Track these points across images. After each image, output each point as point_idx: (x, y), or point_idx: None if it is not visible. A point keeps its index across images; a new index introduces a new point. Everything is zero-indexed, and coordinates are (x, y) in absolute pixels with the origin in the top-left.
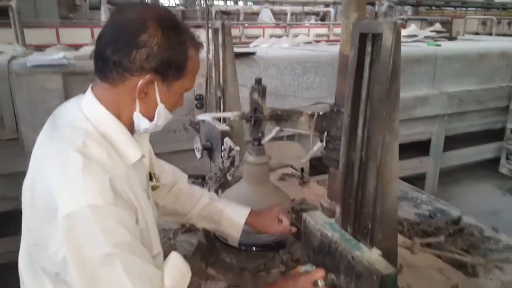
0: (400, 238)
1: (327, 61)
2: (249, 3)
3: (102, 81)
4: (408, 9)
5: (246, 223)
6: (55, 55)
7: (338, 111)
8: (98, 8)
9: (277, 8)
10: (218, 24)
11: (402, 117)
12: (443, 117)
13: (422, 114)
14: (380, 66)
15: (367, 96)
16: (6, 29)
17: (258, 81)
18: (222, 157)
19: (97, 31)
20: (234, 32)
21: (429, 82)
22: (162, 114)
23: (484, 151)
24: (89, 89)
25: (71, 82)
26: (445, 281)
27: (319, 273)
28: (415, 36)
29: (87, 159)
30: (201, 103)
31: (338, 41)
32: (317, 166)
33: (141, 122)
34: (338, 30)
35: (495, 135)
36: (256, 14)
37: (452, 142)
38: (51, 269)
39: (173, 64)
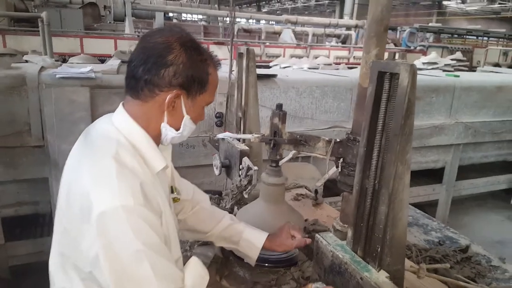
0: (408, 263)
1: (346, 86)
2: (271, 22)
3: (134, 98)
4: (430, 36)
5: (264, 246)
6: (83, 68)
7: (354, 139)
8: (122, 20)
9: (298, 29)
10: (243, 49)
11: (418, 145)
12: (458, 146)
13: (438, 142)
14: (396, 103)
15: (383, 129)
16: (34, 37)
17: (279, 106)
18: (240, 175)
19: (120, 42)
20: (255, 50)
21: (446, 112)
22: (187, 125)
23: (497, 182)
24: (120, 106)
25: (97, 95)
26: None
27: None
28: (435, 63)
29: (120, 165)
30: (220, 121)
31: (358, 64)
32: (331, 188)
33: (168, 132)
34: (358, 54)
35: (510, 166)
36: (278, 33)
37: (466, 171)
38: (84, 267)
39: (196, 80)
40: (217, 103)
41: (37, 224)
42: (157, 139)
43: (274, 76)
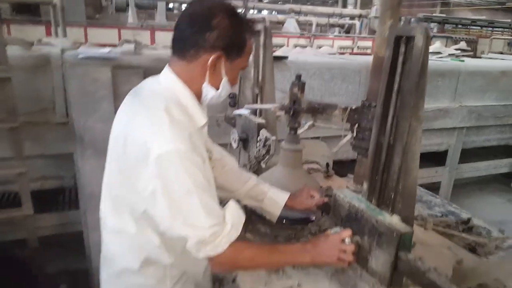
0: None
1: (354, 69)
2: (274, 12)
3: (179, 59)
4: (434, 27)
5: (285, 204)
6: (103, 49)
7: (369, 106)
8: (123, 10)
9: (302, 18)
10: (261, 26)
11: (423, 128)
12: (462, 129)
13: (442, 125)
14: (412, 62)
15: (398, 89)
16: (38, 27)
17: (298, 77)
18: (257, 147)
19: (124, 32)
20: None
21: (450, 96)
22: (225, 86)
23: (499, 166)
24: (167, 67)
25: (118, 75)
26: (452, 256)
27: (347, 232)
28: (439, 53)
29: (170, 117)
30: (234, 101)
31: (362, 53)
32: (338, 171)
33: (208, 91)
34: (362, 43)
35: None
36: (282, 23)
37: (469, 154)
38: (139, 207)
39: (235, 44)
40: None
41: (61, 198)
42: (198, 98)
43: (285, 58)
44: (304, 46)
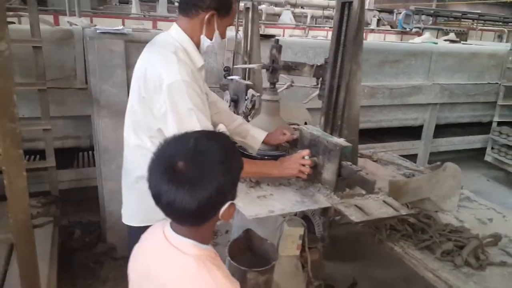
0: None
1: None
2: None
3: (184, 16)
4: (428, 19)
5: (263, 141)
6: (118, 27)
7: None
8: (127, 2)
9: (298, 10)
10: (249, 4)
11: (398, 103)
12: (435, 105)
13: (416, 101)
14: (352, 21)
15: (344, 41)
16: (44, 16)
17: (277, 40)
18: (245, 104)
19: (128, 22)
20: None
21: (424, 74)
22: (217, 37)
23: (472, 141)
24: (174, 23)
25: (130, 47)
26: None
27: (306, 151)
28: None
29: (178, 57)
30: (228, 73)
31: None
32: None
33: (205, 41)
34: None
35: (484, 127)
36: (278, 15)
37: (446, 131)
38: (154, 126)
39: (225, 5)
40: (225, 59)
41: (78, 156)
42: (198, 46)
43: (272, 36)
44: (299, 37)
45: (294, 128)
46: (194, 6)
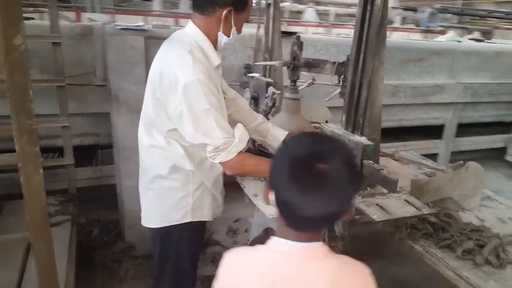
0: None
1: None
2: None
3: (200, 14)
4: (453, 18)
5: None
6: (138, 23)
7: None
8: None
9: (321, 8)
10: (271, 0)
11: (421, 102)
12: (458, 105)
13: (439, 100)
14: (373, 16)
15: (367, 38)
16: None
17: (298, 37)
18: (266, 102)
19: (150, 19)
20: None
21: (447, 73)
22: (234, 33)
23: (494, 141)
24: (190, 21)
25: (149, 44)
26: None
27: None
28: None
29: (194, 56)
30: (249, 71)
31: None
32: None
33: (222, 38)
34: None
35: (506, 127)
36: (301, 12)
37: (467, 130)
38: (169, 126)
39: (241, 2)
40: (246, 56)
41: (97, 154)
42: (214, 45)
43: (294, 33)
44: (323, 35)
45: (315, 126)
46: (211, 3)
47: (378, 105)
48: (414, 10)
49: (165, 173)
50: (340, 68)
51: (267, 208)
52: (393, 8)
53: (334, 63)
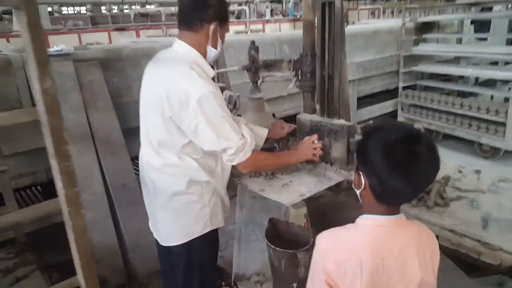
0: None
1: (270, 42)
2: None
3: (188, 31)
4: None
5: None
6: (55, 48)
7: (306, 55)
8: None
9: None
10: None
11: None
12: (355, 81)
13: None
14: (336, 19)
15: (329, 37)
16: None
17: (253, 42)
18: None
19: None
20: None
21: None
22: (219, 45)
23: (386, 106)
24: (177, 39)
25: (79, 67)
26: None
27: (314, 136)
28: None
29: (196, 71)
30: None
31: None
32: None
33: (211, 51)
34: (254, 27)
35: (392, 93)
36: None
37: (363, 101)
38: (183, 141)
39: (224, 16)
40: None
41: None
42: (204, 58)
43: None
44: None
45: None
46: (199, 20)
47: (347, 91)
48: (279, 1)
49: (183, 188)
50: (296, 64)
51: (281, 198)
52: (261, 1)
53: (289, 61)
